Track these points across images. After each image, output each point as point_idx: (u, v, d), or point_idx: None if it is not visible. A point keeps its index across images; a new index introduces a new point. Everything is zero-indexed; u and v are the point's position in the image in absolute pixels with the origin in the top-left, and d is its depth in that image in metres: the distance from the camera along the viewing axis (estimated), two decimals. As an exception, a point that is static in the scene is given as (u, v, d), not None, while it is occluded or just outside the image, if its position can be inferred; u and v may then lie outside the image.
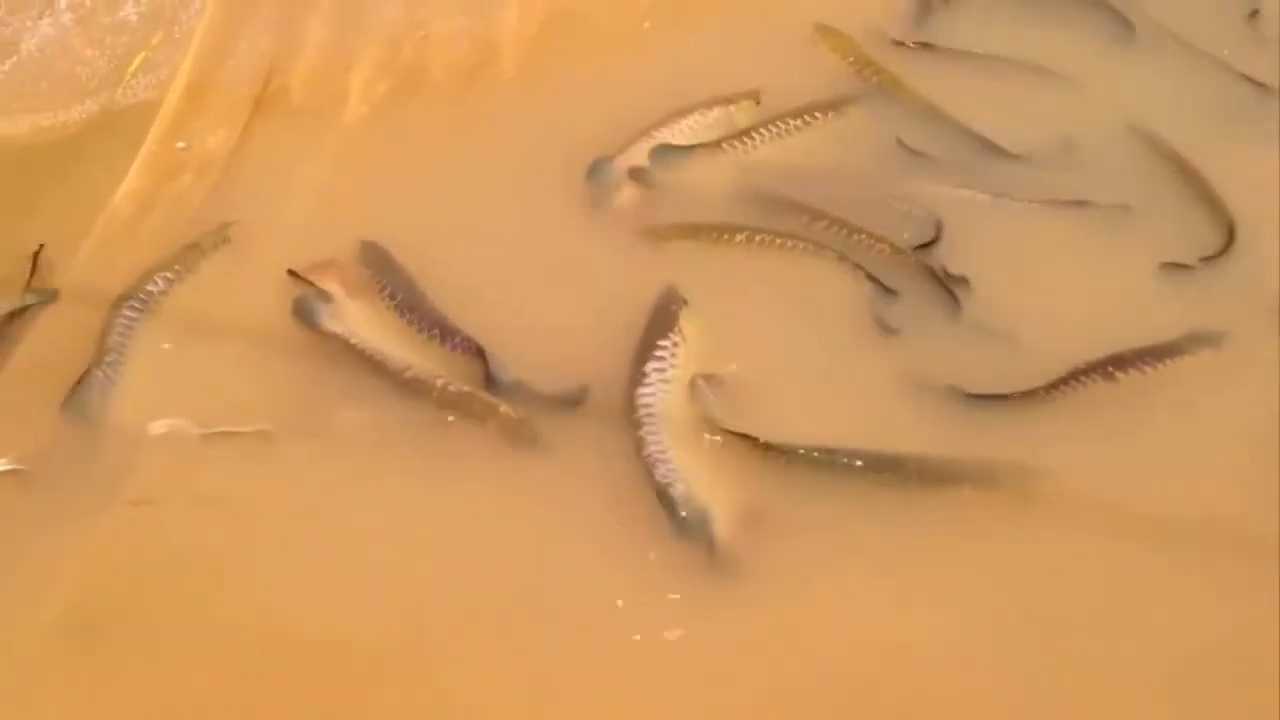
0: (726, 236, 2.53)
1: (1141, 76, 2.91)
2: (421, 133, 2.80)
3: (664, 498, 2.16)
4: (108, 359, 2.35)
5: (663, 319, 2.39)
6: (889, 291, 2.47)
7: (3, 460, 2.23)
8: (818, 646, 2.06)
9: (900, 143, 2.72)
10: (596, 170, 2.64)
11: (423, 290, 2.45)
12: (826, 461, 2.20)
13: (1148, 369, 2.34)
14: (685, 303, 2.41)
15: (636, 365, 2.33)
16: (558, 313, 2.45)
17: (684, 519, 2.14)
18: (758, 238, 2.52)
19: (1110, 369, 2.33)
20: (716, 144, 2.70)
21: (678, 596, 2.09)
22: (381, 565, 2.13)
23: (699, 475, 2.20)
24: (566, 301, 2.47)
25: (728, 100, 2.81)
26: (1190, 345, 2.38)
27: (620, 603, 2.09)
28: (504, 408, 2.25)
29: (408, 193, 2.66)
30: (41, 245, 2.54)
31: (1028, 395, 2.30)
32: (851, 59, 2.91)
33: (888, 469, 2.20)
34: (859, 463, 2.20)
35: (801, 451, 2.20)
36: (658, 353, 2.34)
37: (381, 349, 2.35)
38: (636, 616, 2.08)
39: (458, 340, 2.36)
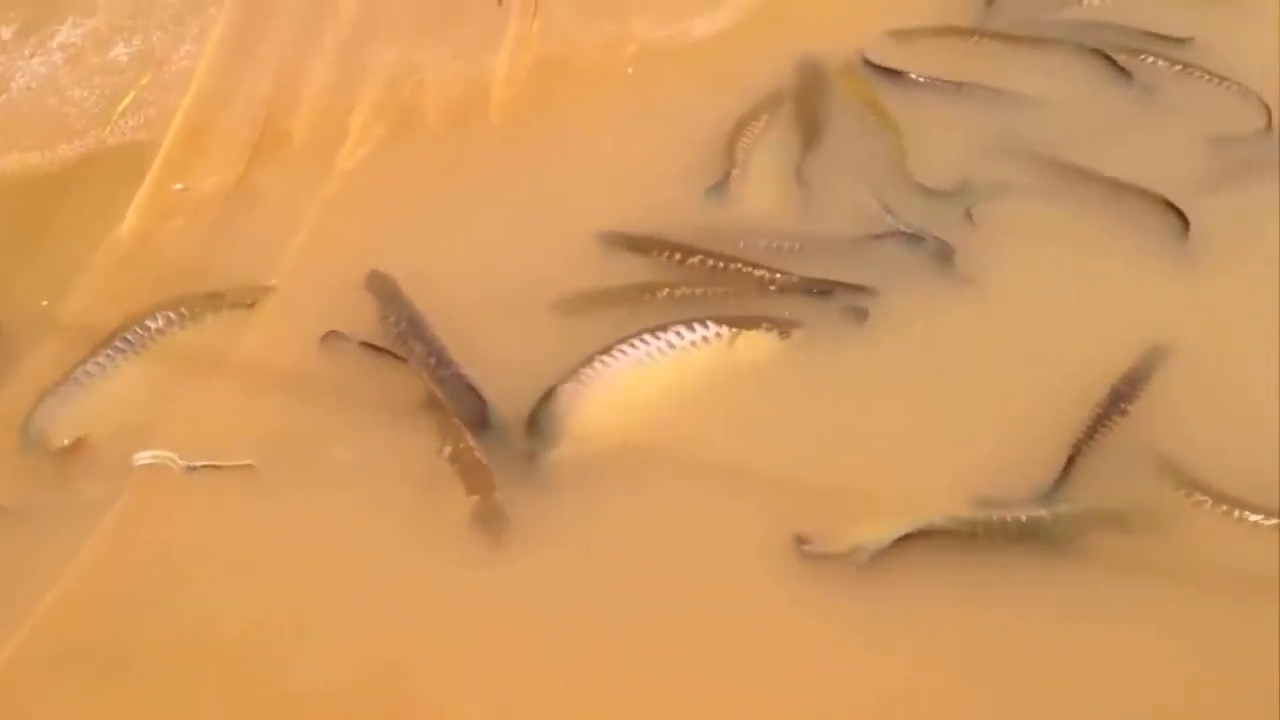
0: (648, 296, 2.53)
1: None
2: (417, 174, 2.84)
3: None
4: (61, 386, 2.38)
5: None
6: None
7: (-11, 495, 2.25)
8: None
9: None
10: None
11: (427, 321, 2.48)
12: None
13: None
14: None
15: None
16: (550, 347, 2.46)
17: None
18: (678, 292, 2.53)
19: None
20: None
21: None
22: (362, 603, 2.14)
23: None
24: (558, 336, 2.49)
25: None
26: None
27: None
28: (496, 492, 2.25)
29: (403, 234, 2.70)
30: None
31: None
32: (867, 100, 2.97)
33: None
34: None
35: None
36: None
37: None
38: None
39: (451, 373, 2.39)
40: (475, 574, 2.19)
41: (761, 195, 2.79)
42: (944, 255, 2.63)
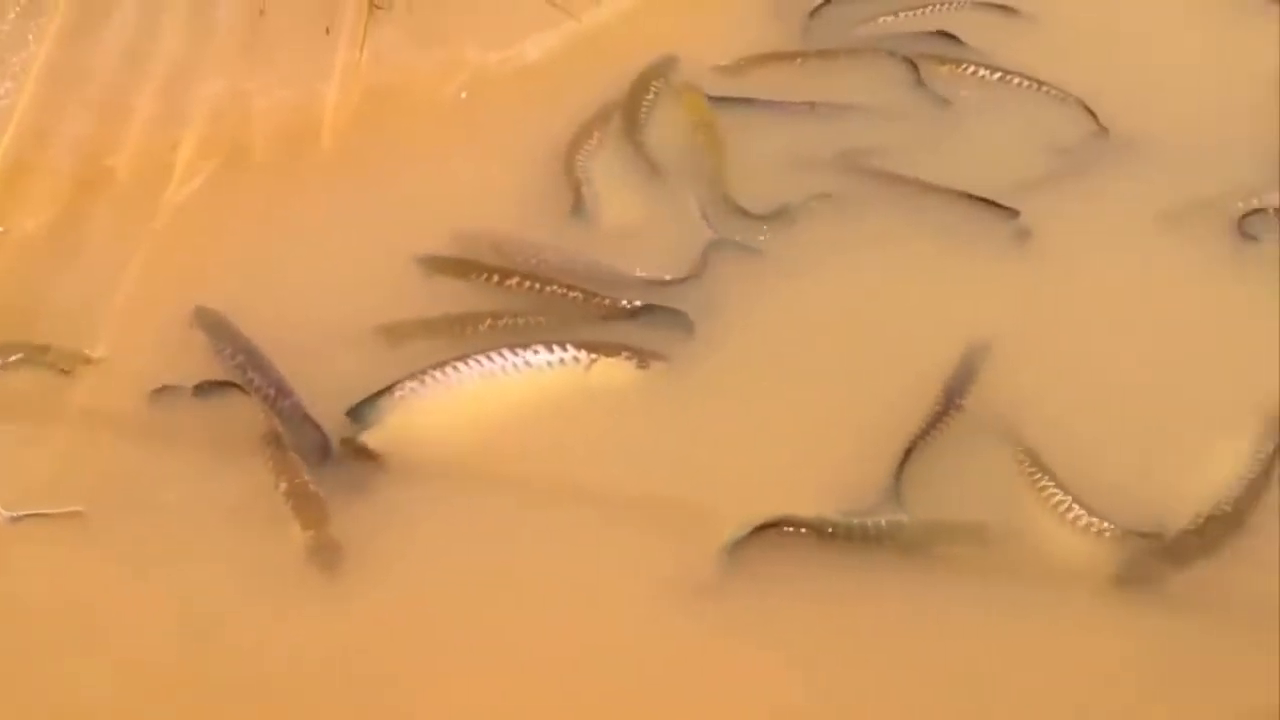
0: (469, 327, 2.54)
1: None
2: (246, 206, 2.81)
3: None
4: None
5: None
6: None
7: None
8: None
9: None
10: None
11: (262, 352, 2.47)
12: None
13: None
14: None
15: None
16: (385, 375, 2.45)
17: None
18: (500, 322, 2.54)
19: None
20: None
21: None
22: (196, 648, 2.12)
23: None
24: (394, 366, 2.48)
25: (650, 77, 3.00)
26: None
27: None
28: (330, 524, 2.25)
29: (234, 266, 2.67)
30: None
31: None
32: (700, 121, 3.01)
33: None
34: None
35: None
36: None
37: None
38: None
39: (290, 404, 2.39)
40: (313, 609, 2.17)
41: (607, 213, 2.83)
42: (779, 270, 2.70)
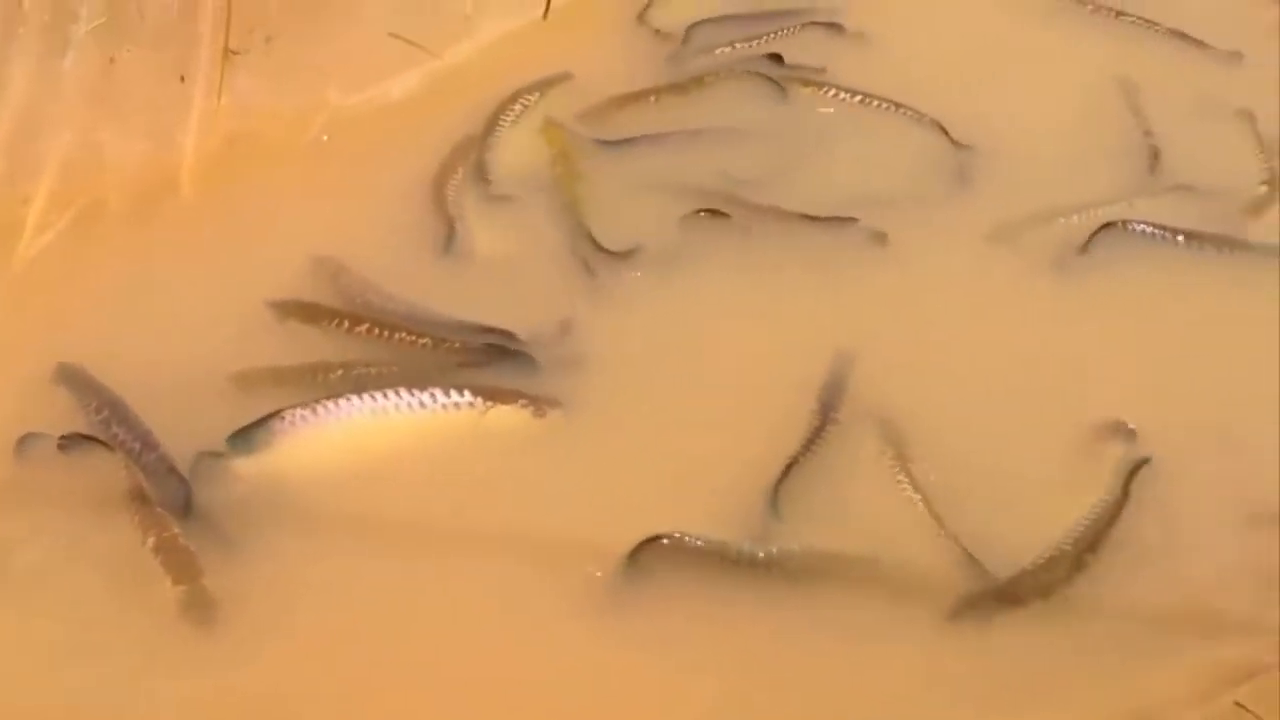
0: (320, 376, 2.51)
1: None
2: (102, 259, 2.74)
3: None
4: None
5: None
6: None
7: None
8: None
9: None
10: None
11: (127, 405, 2.41)
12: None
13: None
14: None
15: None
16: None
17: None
18: (354, 372, 2.52)
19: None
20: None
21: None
22: (66, 711, 2.06)
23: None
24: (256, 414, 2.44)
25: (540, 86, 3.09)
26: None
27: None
28: (203, 577, 2.20)
29: (92, 320, 2.61)
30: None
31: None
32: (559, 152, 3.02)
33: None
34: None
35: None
36: None
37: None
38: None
39: (156, 457, 2.34)
40: (190, 666, 2.12)
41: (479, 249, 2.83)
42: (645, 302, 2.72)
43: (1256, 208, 3.00)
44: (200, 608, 2.17)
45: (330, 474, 2.35)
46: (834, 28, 3.40)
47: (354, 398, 2.41)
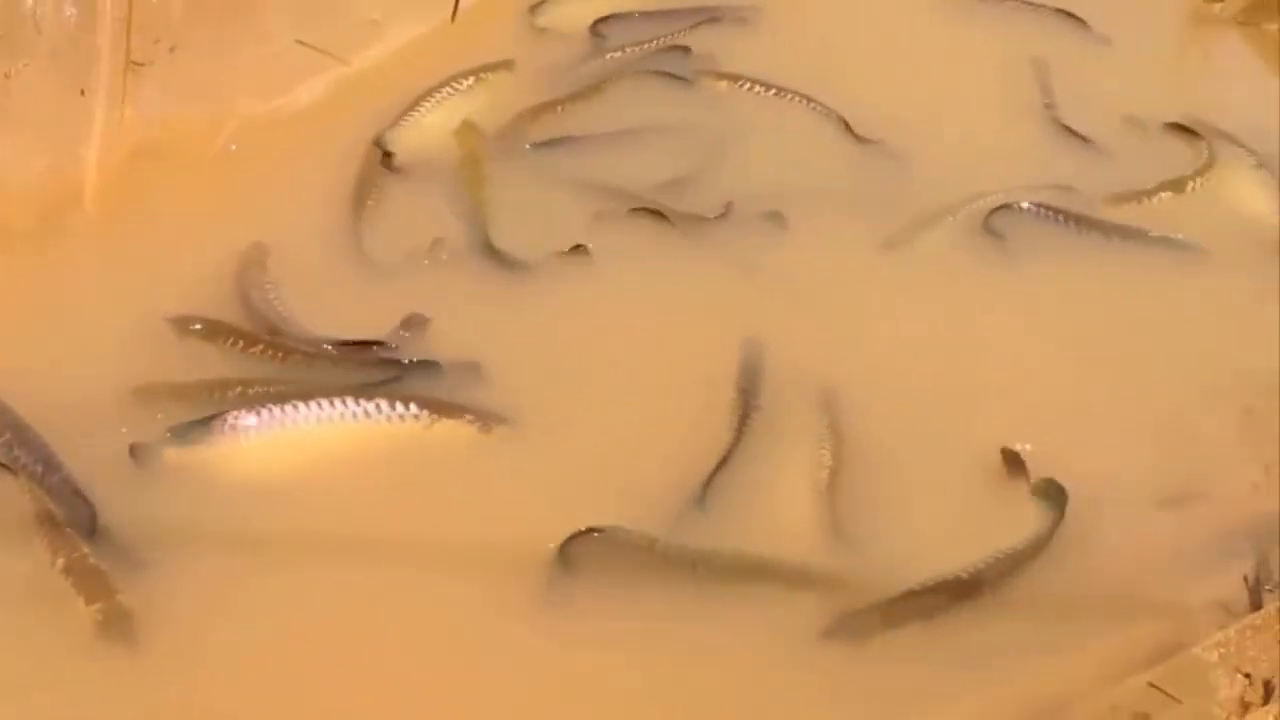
0: (218, 394, 2.49)
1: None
2: (7, 276, 2.68)
3: None
4: None
5: None
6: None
7: None
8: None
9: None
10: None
11: (30, 426, 2.37)
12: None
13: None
14: None
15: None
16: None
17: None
18: (253, 390, 2.49)
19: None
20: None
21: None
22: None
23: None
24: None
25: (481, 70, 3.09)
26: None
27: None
28: (119, 595, 2.17)
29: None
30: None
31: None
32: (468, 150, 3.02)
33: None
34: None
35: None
36: None
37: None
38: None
39: (60, 478, 2.30)
40: (113, 684, 2.09)
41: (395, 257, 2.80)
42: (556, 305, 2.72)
43: (1124, 199, 3.05)
44: (118, 625, 2.14)
45: (265, 482, 2.34)
46: (739, 21, 3.43)
47: (300, 405, 2.40)
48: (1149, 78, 3.36)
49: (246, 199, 2.90)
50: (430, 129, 3.09)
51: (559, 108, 3.17)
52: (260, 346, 2.57)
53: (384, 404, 2.43)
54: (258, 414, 2.39)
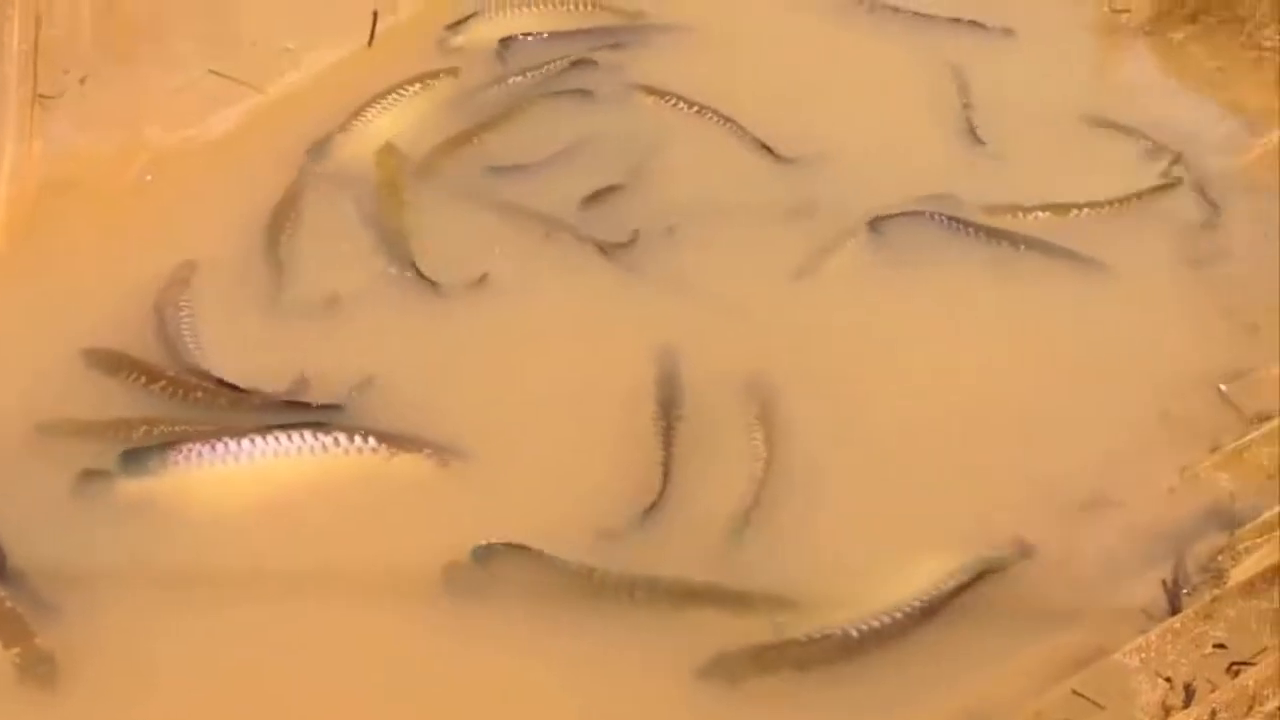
0: (123, 433, 2.46)
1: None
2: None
3: None
4: None
5: None
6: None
7: None
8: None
9: None
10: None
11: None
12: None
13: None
14: None
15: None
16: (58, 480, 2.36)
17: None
18: (157, 429, 2.47)
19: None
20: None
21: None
22: None
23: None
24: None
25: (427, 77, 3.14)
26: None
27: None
28: (37, 638, 2.14)
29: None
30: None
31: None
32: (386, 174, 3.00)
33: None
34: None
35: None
36: None
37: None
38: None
39: None
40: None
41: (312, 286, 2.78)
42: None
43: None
44: (36, 670, 2.11)
45: (206, 517, 2.33)
46: (643, 44, 3.41)
47: (256, 438, 2.39)
48: (1057, 83, 3.39)
49: (161, 229, 2.86)
50: (374, 135, 3.09)
51: (474, 138, 3.14)
52: (162, 383, 2.54)
53: (342, 437, 2.43)
54: (211, 447, 2.38)
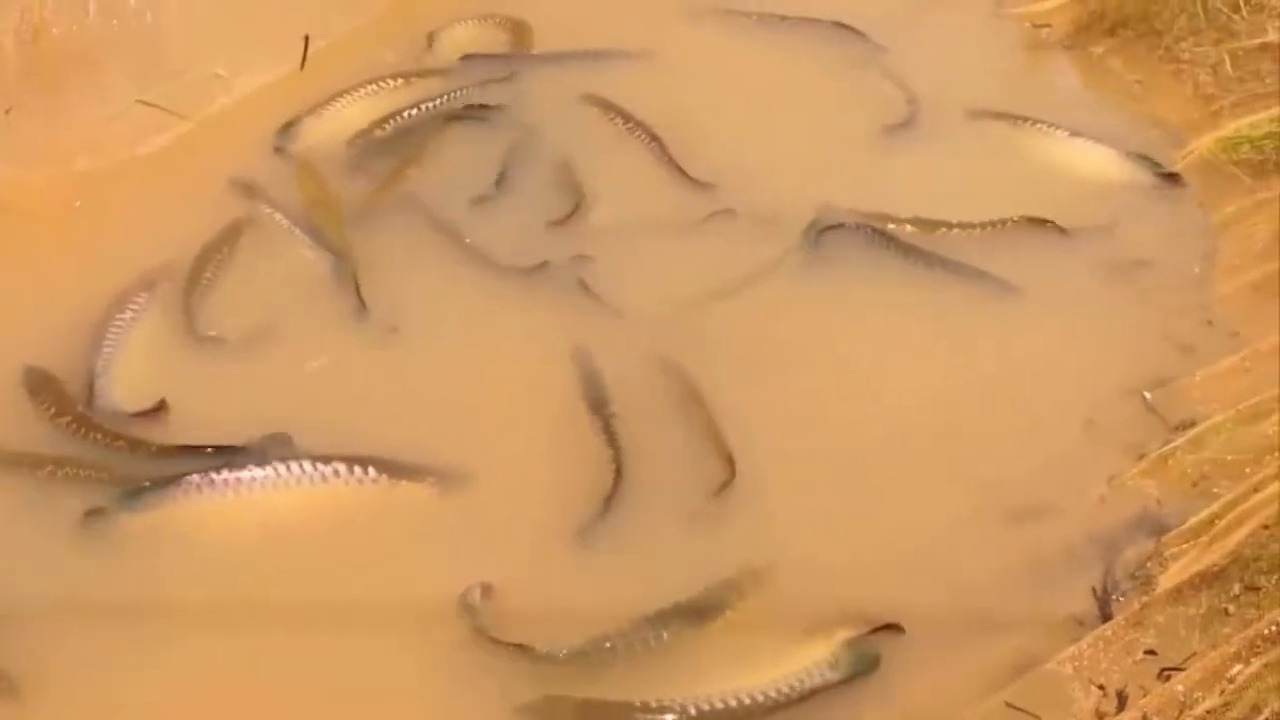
0: (40, 471, 2.45)
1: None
2: None
3: None
4: None
5: None
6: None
7: None
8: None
9: None
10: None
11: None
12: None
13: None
14: None
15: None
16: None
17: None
18: (61, 471, 2.45)
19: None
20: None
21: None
22: None
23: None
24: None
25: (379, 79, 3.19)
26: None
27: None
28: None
29: None
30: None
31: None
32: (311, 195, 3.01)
33: None
34: None
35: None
36: None
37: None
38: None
39: None
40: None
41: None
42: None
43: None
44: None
45: (206, 548, 2.34)
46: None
47: (254, 469, 2.39)
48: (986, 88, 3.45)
49: (90, 257, 2.84)
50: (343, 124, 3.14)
51: (404, 173, 3.12)
52: (68, 419, 2.53)
53: (341, 467, 2.43)
54: (210, 480, 2.38)
